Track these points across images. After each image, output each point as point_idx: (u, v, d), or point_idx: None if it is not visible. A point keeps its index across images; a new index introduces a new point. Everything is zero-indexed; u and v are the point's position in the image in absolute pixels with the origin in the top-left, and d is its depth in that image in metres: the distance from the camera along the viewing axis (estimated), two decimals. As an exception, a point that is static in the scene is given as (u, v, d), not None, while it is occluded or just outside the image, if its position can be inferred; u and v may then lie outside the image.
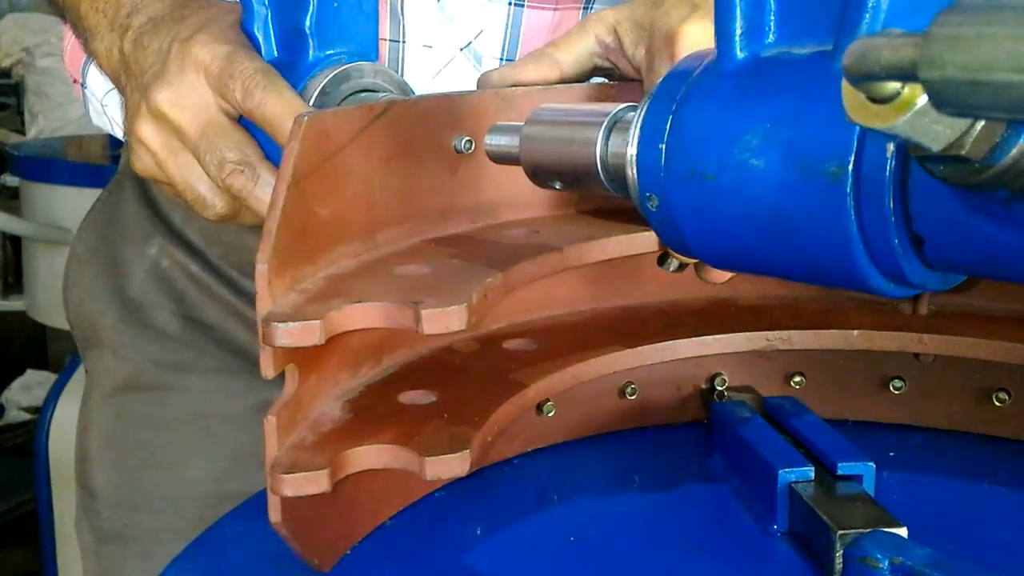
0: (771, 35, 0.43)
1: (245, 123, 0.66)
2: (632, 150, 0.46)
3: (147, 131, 0.66)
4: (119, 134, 0.90)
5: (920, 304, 0.72)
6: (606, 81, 0.71)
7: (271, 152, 0.65)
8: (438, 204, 0.64)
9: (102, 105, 0.90)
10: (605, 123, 0.51)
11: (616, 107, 0.51)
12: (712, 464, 0.68)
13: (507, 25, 0.82)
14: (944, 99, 0.28)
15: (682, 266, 0.65)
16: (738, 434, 0.65)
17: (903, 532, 0.53)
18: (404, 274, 0.55)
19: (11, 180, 2.82)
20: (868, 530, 0.53)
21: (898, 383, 0.73)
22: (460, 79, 0.82)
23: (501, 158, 0.60)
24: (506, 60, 0.82)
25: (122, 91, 0.72)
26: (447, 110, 0.63)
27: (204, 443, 0.89)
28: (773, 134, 0.40)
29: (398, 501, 0.62)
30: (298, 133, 0.52)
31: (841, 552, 0.52)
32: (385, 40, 0.79)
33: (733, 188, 0.41)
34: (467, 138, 0.64)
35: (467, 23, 0.81)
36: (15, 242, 2.74)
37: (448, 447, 0.51)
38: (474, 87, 0.81)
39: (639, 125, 0.46)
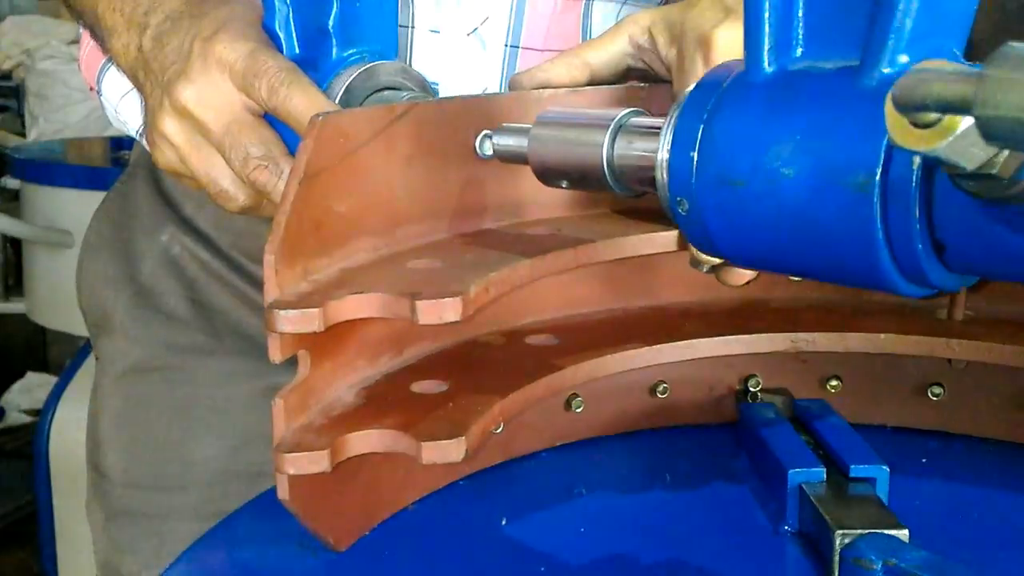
0: (799, 50, 0.45)
1: (269, 120, 0.66)
2: (664, 155, 0.48)
3: (170, 127, 0.68)
4: (135, 136, 0.93)
5: (956, 310, 0.72)
6: (636, 83, 0.71)
7: (295, 148, 0.65)
8: (461, 203, 0.64)
9: (115, 110, 0.92)
10: (611, 127, 0.54)
11: (621, 111, 0.54)
12: (738, 464, 0.69)
13: (511, 11, 0.83)
14: (995, 133, 0.31)
15: (715, 267, 0.66)
16: (759, 435, 0.65)
17: (904, 534, 0.53)
18: (414, 268, 0.57)
19: (11, 182, 2.82)
20: (867, 531, 0.53)
21: (937, 389, 0.73)
22: (467, 64, 0.83)
23: (508, 157, 0.62)
24: (511, 46, 0.83)
25: (140, 88, 0.73)
26: (473, 112, 0.64)
27: (212, 424, 0.91)
28: (803, 145, 0.42)
29: (420, 488, 0.63)
30: (313, 132, 0.54)
31: (839, 552, 0.53)
32: None
33: (763, 194, 0.43)
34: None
35: (473, 9, 0.82)
36: (15, 244, 2.74)
37: (446, 433, 0.53)
38: (478, 70, 0.82)
39: (671, 132, 0.48)
